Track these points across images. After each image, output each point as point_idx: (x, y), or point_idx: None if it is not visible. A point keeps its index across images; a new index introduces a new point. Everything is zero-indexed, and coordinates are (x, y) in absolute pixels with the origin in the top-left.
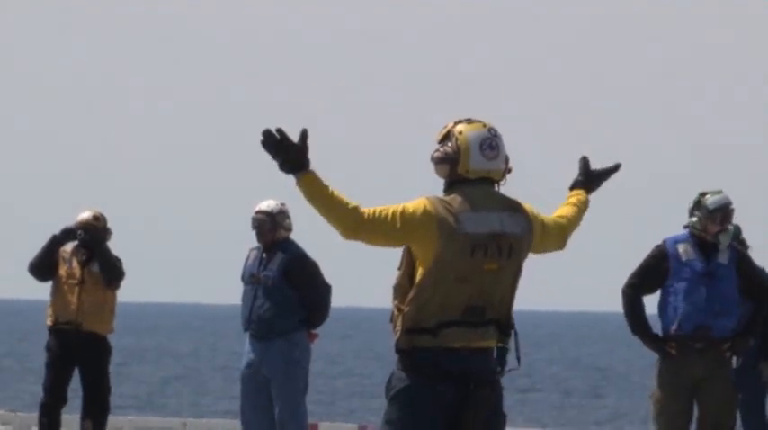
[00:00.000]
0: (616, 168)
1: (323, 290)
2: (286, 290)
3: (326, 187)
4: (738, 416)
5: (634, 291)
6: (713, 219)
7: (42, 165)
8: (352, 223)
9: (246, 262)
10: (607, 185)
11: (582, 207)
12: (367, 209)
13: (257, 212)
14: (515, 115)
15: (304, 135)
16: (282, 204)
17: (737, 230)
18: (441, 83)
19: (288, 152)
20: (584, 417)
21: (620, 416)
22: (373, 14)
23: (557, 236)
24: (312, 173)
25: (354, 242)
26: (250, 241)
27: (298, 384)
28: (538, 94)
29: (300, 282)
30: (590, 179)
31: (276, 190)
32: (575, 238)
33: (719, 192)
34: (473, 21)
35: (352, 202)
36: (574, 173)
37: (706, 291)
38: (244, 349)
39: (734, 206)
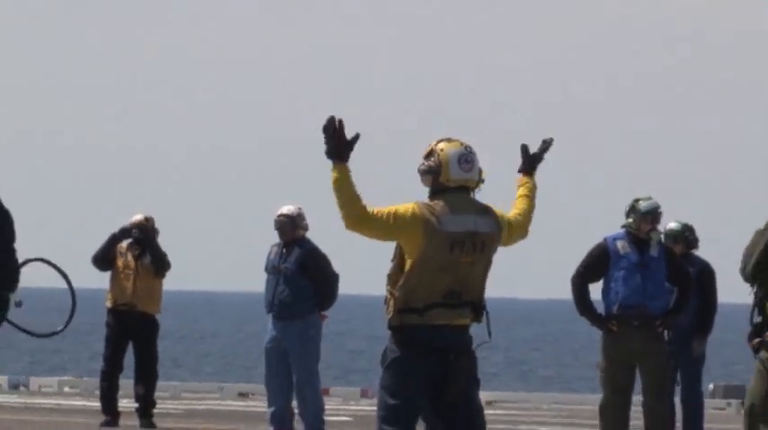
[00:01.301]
0: (548, 144)
1: (332, 279)
2: (302, 279)
3: (352, 183)
4: (680, 383)
5: (581, 280)
6: (645, 221)
7: (85, 167)
8: (358, 217)
9: (269, 256)
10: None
11: (532, 194)
12: (371, 207)
13: (280, 215)
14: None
15: (356, 137)
16: (299, 208)
17: (688, 229)
18: (439, 94)
19: (338, 141)
20: (521, 384)
21: (551, 382)
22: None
23: (520, 230)
24: (346, 166)
25: (354, 235)
26: (270, 238)
27: (312, 356)
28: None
29: (314, 273)
30: (532, 163)
31: (296, 193)
32: (572, 236)
33: (650, 198)
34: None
35: (362, 201)
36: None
37: (641, 278)
38: (267, 327)
39: (662, 210)
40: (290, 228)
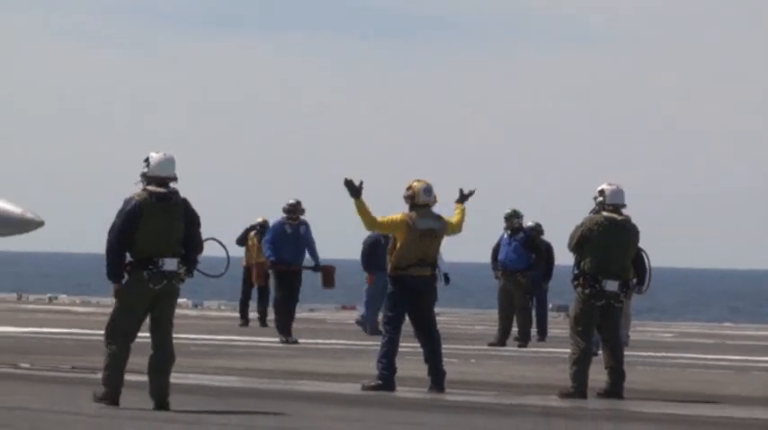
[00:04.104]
0: (472, 193)
1: None
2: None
3: (365, 206)
4: (535, 304)
5: (492, 256)
6: (509, 223)
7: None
8: (371, 223)
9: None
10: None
11: (463, 213)
12: (378, 217)
13: None
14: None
15: (361, 184)
16: None
17: (538, 225)
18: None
19: (353, 190)
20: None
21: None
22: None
23: (454, 229)
24: (361, 199)
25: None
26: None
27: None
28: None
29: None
30: (464, 199)
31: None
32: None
33: (513, 209)
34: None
35: (373, 214)
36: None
37: (513, 250)
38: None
39: (520, 213)
40: None
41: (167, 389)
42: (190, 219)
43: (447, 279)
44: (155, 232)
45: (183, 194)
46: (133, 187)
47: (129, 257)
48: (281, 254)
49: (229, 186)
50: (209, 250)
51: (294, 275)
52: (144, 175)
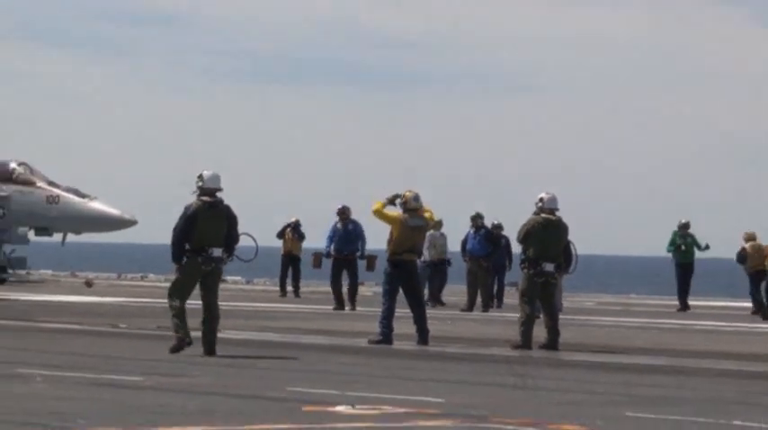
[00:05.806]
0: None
1: None
2: None
3: (384, 204)
4: (497, 281)
5: (462, 246)
6: (474, 222)
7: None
8: (378, 210)
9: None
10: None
11: (432, 214)
12: (387, 211)
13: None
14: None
15: (396, 196)
16: None
17: (499, 224)
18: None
19: (392, 201)
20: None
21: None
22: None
23: (431, 225)
24: (386, 203)
25: (376, 221)
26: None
27: None
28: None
29: None
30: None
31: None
32: None
33: (477, 211)
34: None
35: (384, 209)
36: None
37: (477, 242)
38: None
39: (482, 215)
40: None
41: (215, 339)
42: (231, 220)
43: (448, 262)
44: (206, 230)
45: (232, 200)
46: (191, 197)
47: (187, 246)
48: (338, 245)
49: (271, 192)
50: (245, 241)
51: (350, 262)
52: (200, 188)
